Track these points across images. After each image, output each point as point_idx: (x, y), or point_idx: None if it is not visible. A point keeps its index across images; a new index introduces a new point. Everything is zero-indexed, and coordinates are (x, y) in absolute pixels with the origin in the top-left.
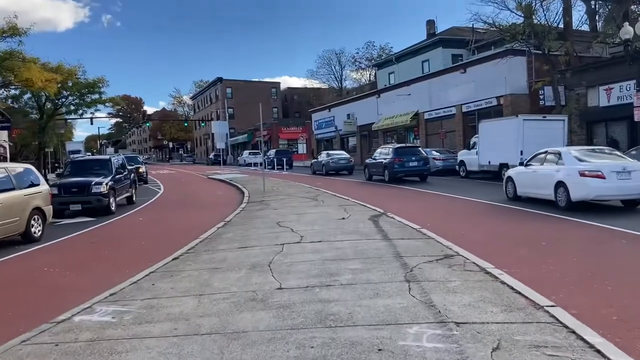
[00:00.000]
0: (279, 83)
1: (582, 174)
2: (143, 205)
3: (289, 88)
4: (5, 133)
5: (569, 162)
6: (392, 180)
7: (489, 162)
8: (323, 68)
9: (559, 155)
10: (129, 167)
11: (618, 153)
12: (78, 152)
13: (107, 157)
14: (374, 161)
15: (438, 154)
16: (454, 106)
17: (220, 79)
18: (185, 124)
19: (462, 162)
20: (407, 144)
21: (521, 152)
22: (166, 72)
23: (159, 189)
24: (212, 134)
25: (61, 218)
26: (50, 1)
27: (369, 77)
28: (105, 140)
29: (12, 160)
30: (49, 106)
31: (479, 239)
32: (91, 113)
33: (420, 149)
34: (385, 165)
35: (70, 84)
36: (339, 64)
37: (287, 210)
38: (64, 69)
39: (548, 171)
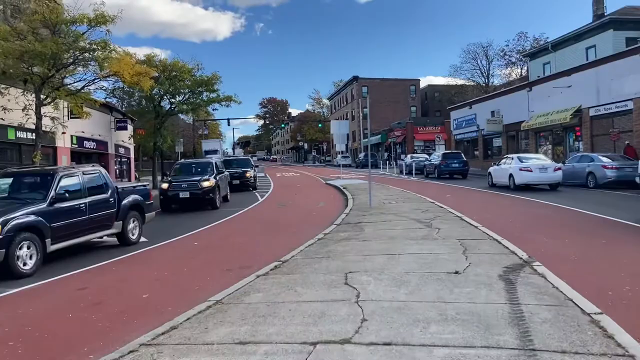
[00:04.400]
0: (418, 80)
1: (521, 169)
2: (220, 221)
3: (429, 85)
4: (125, 133)
5: (515, 163)
6: (439, 177)
7: None
8: (468, 63)
9: (511, 158)
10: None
11: (544, 157)
12: (215, 152)
13: (52, 169)
14: (429, 163)
15: (609, 160)
16: (630, 99)
17: (356, 78)
18: (320, 125)
19: None
20: (452, 150)
21: None
22: (313, 73)
23: (264, 195)
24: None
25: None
26: (211, 13)
27: (521, 72)
28: (235, 142)
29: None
30: (163, 105)
31: None
32: (205, 112)
33: (461, 154)
34: (436, 165)
35: (189, 83)
36: (486, 58)
37: (378, 245)
38: (179, 65)
39: (506, 167)
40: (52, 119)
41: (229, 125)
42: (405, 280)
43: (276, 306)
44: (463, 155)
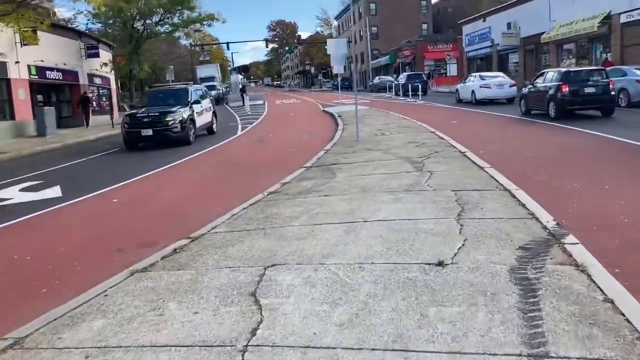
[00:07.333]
0: None
1: (481, 86)
2: (173, 164)
3: (441, 0)
4: (95, 61)
5: (477, 80)
6: (403, 94)
7: None
8: None
9: (474, 76)
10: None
11: (503, 74)
12: (212, 79)
13: None
14: (397, 82)
15: None
16: None
17: None
18: (326, 47)
19: None
20: (414, 72)
21: None
22: None
23: (247, 128)
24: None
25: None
26: None
27: None
28: (233, 67)
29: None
30: (137, 26)
31: None
32: (185, 34)
33: (422, 74)
34: (401, 85)
35: (164, 1)
36: None
37: (341, 204)
38: None
39: (469, 85)
40: None
41: (228, 49)
42: (353, 284)
43: None
44: (423, 76)
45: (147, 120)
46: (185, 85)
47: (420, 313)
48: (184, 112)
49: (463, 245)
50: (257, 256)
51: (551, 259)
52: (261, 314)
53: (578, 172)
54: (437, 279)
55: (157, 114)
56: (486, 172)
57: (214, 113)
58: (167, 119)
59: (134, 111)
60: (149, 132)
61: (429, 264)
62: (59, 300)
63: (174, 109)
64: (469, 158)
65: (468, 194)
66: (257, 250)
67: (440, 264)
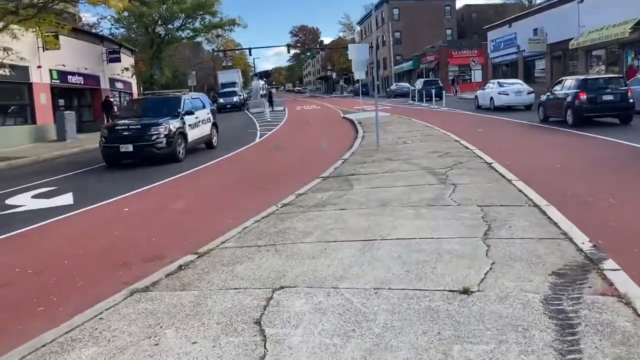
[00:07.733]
0: (453, 0)
1: (499, 93)
2: (187, 172)
3: (465, 5)
4: (117, 65)
5: (495, 87)
6: (422, 100)
7: None
8: None
9: (493, 83)
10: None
11: (521, 82)
12: (233, 84)
13: None
14: (415, 89)
15: None
16: None
17: None
18: (347, 52)
19: None
20: (431, 78)
21: None
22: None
23: (265, 134)
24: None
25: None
26: None
27: None
28: (254, 73)
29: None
30: (159, 31)
31: None
32: (206, 39)
33: (438, 81)
34: (419, 90)
35: (186, 6)
36: None
37: (358, 219)
38: None
39: (488, 91)
40: (5, 49)
41: (250, 55)
42: (368, 312)
43: None
44: (440, 82)
45: (127, 134)
46: (178, 94)
47: (443, 351)
48: (172, 125)
49: (490, 269)
50: (266, 276)
51: (589, 287)
52: (265, 346)
53: (611, 185)
54: (462, 310)
55: (139, 126)
56: (514, 185)
57: (214, 124)
58: (150, 133)
59: (113, 122)
60: (129, 147)
61: (452, 291)
62: (54, 321)
63: (160, 120)
64: (495, 170)
65: (495, 210)
66: (267, 269)
67: (466, 291)
